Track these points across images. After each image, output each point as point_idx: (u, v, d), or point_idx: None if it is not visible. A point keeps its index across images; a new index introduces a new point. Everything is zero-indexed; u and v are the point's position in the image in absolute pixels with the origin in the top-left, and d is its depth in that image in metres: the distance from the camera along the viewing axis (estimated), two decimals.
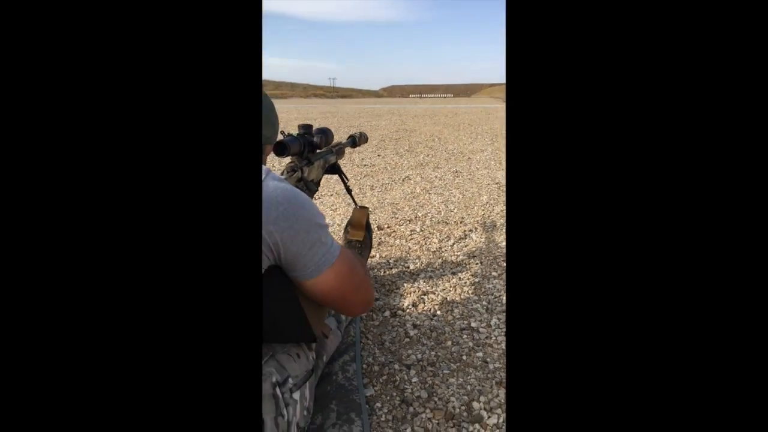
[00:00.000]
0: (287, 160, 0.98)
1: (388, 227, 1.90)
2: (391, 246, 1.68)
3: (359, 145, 1.37)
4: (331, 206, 2.22)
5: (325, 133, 1.06)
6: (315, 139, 1.00)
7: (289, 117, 9.41)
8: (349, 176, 3.00)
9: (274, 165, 3.08)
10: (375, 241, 1.73)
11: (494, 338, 1.06)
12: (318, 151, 1.07)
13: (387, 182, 2.81)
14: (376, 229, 1.87)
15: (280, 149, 0.86)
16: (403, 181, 2.86)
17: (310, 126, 1.01)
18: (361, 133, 1.39)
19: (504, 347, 1.02)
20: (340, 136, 1.43)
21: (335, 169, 1.20)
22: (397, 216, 2.07)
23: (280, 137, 0.88)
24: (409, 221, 1.98)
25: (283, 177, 0.90)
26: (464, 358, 0.98)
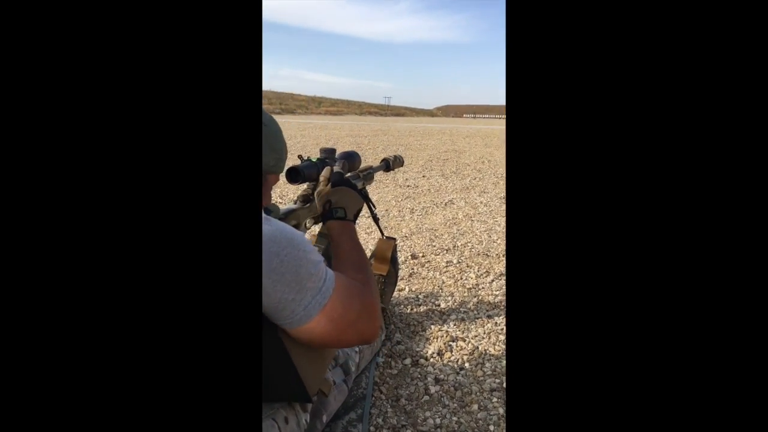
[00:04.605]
0: (303, 186, 0.90)
1: (422, 256, 1.78)
2: (423, 278, 1.55)
3: (393, 169, 1.28)
4: (366, 229, 2.14)
5: (351, 157, 0.97)
6: (337, 165, 0.91)
7: (340, 134, 9.59)
8: (389, 197, 2.91)
9: (286, 193, 2.87)
10: (406, 271, 1.61)
11: None
12: None
13: (428, 206, 2.69)
14: (409, 257, 1.75)
15: (293, 176, 0.78)
16: (445, 205, 2.73)
17: (333, 150, 0.93)
18: (396, 156, 1.29)
19: None
20: (387, 154, 1.34)
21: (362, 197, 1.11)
22: (434, 244, 1.94)
23: (293, 162, 0.80)
24: (447, 251, 1.85)
25: (284, 208, 0.82)
26: (491, 428, 0.83)
